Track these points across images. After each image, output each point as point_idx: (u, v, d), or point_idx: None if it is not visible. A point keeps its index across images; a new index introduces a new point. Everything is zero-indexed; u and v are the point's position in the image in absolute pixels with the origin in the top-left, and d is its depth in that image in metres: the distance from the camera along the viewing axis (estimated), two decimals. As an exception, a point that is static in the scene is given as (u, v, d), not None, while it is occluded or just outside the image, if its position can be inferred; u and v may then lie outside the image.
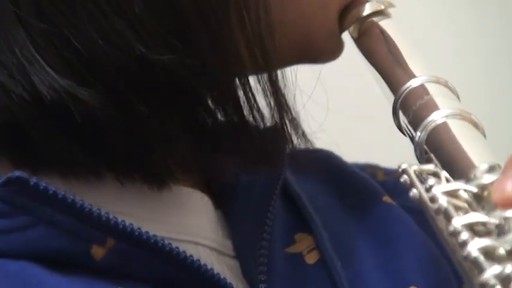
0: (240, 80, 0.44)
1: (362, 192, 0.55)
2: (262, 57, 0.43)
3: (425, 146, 0.41)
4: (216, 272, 0.43)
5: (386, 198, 0.54)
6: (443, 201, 0.37)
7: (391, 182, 0.57)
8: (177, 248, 0.42)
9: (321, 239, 0.49)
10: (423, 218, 0.51)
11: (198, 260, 0.43)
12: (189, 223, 0.46)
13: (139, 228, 0.41)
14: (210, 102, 0.44)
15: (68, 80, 0.40)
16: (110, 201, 0.43)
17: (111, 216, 0.41)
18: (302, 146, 0.49)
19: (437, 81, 0.42)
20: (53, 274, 0.41)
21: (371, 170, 0.58)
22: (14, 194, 0.41)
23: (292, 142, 0.46)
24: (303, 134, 0.48)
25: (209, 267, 0.43)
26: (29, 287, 0.40)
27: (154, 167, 0.44)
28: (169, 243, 0.42)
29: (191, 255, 0.42)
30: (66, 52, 0.40)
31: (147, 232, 0.42)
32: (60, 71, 0.40)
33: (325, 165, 0.55)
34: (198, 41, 0.42)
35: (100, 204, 0.41)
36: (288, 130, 0.45)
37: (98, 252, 0.42)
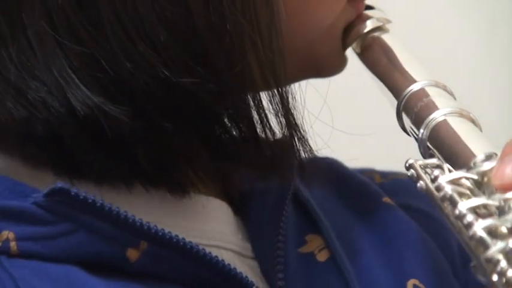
0: (253, 101, 0.48)
1: (364, 194, 0.59)
2: (273, 79, 0.47)
3: (428, 143, 0.46)
4: (239, 271, 0.47)
5: (386, 199, 0.58)
6: (448, 189, 0.41)
7: (388, 183, 0.61)
8: (204, 249, 0.46)
9: (330, 238, 0.53)
10: (420, 214, 0.60)
11: (223, 261, 0.47)
12: (211, 229, 0.50)
13: (169, 232, 0.45)
14: (226, 120, 0.48)
15: (100, 98, 0.44)
16: (138, 208, 0.47)
17: (144, 222, 0.45)
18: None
19: (436, 85, 0.47)
20: (92, 277, 0.45)
21: (368, 173, 0.62)
22: (57, 203, 0.45)
23: (300, 156, 0.50)
24: (310, 150, 0.52)
25: (232, 267, 0.47)
26: (72, 285, 0.44)
27: (177, 177, 0.48)
28: (197, 245, 0.46)
29: (216, 256, 0.47)
30: (98, 73, 0.45)
31: (176, 235, 0.46)
32: (93, 89, 0.45)
33: (330, 171, 0.59)
34: (216, 65, 0.46)
35: (129, 211, 0.45)
36: (296, 146, 0.50)
37: (132, 254, 0.46)
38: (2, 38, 0.45)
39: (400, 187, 0.60)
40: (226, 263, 0.47)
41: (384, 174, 0.62)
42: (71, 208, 0.45)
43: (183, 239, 0.46)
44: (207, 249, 0.47)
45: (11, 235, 0.44)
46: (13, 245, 0.44)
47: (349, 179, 0.59)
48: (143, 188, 0.48)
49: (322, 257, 0.54)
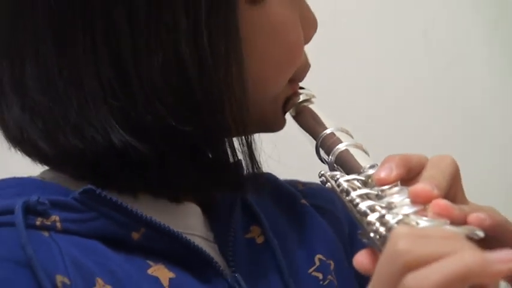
0: (228, 142, 0.70)
1: (288, 198, 0.81)
2: (241, 129, 0.69)
3: (334, 164, 0.68)
4: (205, 250, 0.68)
5: (303, 201, 0.81)
6: (344, 185, 0.63)
7: (305, 189, 0.84)
8: (183, 235, 0.67)
9: (265, 228, 0.75)
10: (325, 211, 0.82)
11: (195, 243, 0.67)
12: (189, 223, 0.71)
13: (161, 222, 0.66)
14: (208, 153, 0.70)
15: (131, 138, 0.64)
16: (140, 206, 0.67)
17: (143, 214, 0.65)
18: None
19: (341, 130, 0.70)
20: (108, 248, 0.64)
21: (294, 183, 0.84)
22: (87, 199, 0.64)
23: (250, 172, 0.71)
24: (258, 169, 0.72)
25: (200, 247, 0.68)
26: (97, 254, 0.63)
27: (176, 192, 0.70)
28: (179, 232, 0.67)
29: (191, 240, 0.67)
30: (129, 121, 0.65)
31: (165, 224, 0.66)
32: (126, 131, 0.64)
33: (267, 182, 0.80)
34: (205, 119, 0.66)
35: (135, 208, 0.66)
36: (251, 168, 0.71)
37: (135, 236, 0.66)
38: (67, 98, 0.65)
39: (313, 192, 0.83)
40: (197, 245, 0.67)
41: (304, 183, 0.84)
42: (95, 202, 0.64)
43: (169, 227, 0.66)
44: (185, 236, 0.67)
45: (57, 218, 0.63)
46: (58, 224, 0.63)
47: (279, 187, 0.82)
48: (148, 196, 0.69)
49: (260, 240, 0.75)
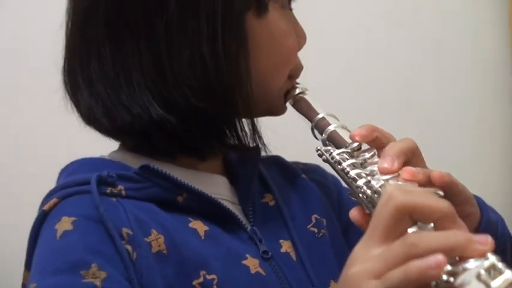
0: (239, 122, 0.89)
1: (292, 173, 1.02)
2: (249, 113, 0.88)
3: (326, 141, 0.87)
4: (232, 210, 0.88)
5: (303, 175, 1.03)
6: (337, 157, 0.81)
7: (304, 167, 1.05)
8: (216, 198, 0.87)
9: (275, 194, 0.96)
10: (319, 183, 1.03)
11: (224, 205, 0.87)
12: (219, 189, 0.90)
13: (199, 189, 0.85)
14: (227, 131, 0.88)
15: (168, 114, 0.83)
16: (185, 177, 0.85)
17: (186, 182, 0.84)
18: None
19: (330, 115, 0.89)
20: (160, 209, 0.83)
21: (296, 164, 1.05)
22: (144, 172, 0.83)
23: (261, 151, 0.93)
24: (265, 150, 0.93)
25: (228, 208, 0.88)
26: (152, 212, 0.82)
27: (200, 149, 0.88)
28: (212, 196, 0.86)
29: (222, 202, 0.87)
30: (164, 101, 0.83)
31: (202, 191, 0.85)
32: (162, 108, 0.83)
33: (277, 161, 1.03)
34: (220, 101, 0.84)
35: (180, 177, 0.84)
36: (260, 147, 0.92)
37: (180, 199, 0.85)
38: (119, 85, 0.83)
39: (310, 169, 1.04)
40: (225, 206, 0.87)
41: (303, 164, 1.06)
42: (150, 175, 0.83)
43: (205, 192, 0.86)
44: (217, 199, 0.87)
45: (122, 187, 0.82)
46: (123, 192, 0.82)
47: (286, 165, 1.03)
48: (187, 167, 0.88)
49: (271, 203, 0.95)
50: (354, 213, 0.75)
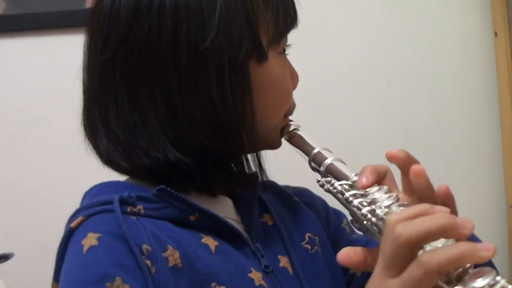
0: (245, 157, 0.98)
1: (285, 195, 1.12)
2: (253, 148, 0.97)
3: (325, 173, 0.96)
4: (239, 230, 0.96)
5: (296, 198, 1.12)
6: (339, 188, 0.90)
7: (295, 191, 1.14)
8: (223, 218, 0.94)
9: (273, 215, 1.04)
10: (310, 205, 1.13)
11: (231, 223, 0.95)
12: (225, 210, 0.98)
13: (209, 209, 0.92)
14: (233, 165, 0.97)
15: (184, 157, 0.90)
16: (196, 200, 0.92)
17: (198, 204, 0.92)
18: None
19: (325, 149, 0.98)
20: (175, 226, 0.90)
21: (287, 187, 1.14)
22: (160, 193, 0.91)
23: (262, 179, 1.01)
24: (266, 177, 1.03)
25: (236, 227, 0.96)
26: (168, 230, 0.89)
27: (213, 189, 0.97)
28: (219, 215, 0.93)
29: (228, 221, 0.95)
30: (179, 144, 0.90)
31: (212, 211, 0.93)
32: (178, 152, 0.90)
33: (272, 186, 1.12)
34: (230, 142, 0.92)
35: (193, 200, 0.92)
36: (262, 177, 1.01)
37: (192, 218, 0.92)
38: (137, 131, 0.90)
39: (300, 192, 1.14)
40: (231, 224, 0.95)
41: (293, 187, 1.15)
42: (166, 196, 0.90)
43: (214, 212, 0.93)
44: (224, 218, 0.94)
45: (141, 207, 0.89)
46: (142, 211, 0.88)
47: (279, 189, 1.13)
48: (196, 194, 0.95)
49: (270, 223, 1.03)
50: (342, 258, 0.81)
